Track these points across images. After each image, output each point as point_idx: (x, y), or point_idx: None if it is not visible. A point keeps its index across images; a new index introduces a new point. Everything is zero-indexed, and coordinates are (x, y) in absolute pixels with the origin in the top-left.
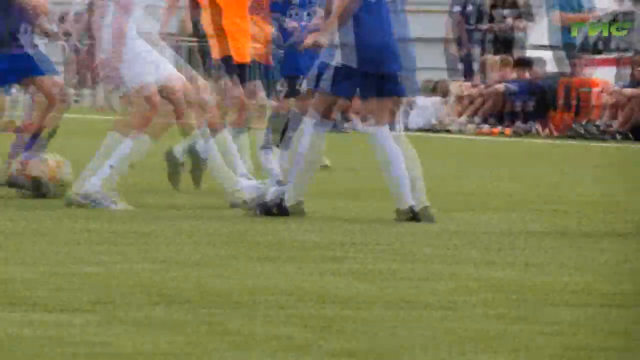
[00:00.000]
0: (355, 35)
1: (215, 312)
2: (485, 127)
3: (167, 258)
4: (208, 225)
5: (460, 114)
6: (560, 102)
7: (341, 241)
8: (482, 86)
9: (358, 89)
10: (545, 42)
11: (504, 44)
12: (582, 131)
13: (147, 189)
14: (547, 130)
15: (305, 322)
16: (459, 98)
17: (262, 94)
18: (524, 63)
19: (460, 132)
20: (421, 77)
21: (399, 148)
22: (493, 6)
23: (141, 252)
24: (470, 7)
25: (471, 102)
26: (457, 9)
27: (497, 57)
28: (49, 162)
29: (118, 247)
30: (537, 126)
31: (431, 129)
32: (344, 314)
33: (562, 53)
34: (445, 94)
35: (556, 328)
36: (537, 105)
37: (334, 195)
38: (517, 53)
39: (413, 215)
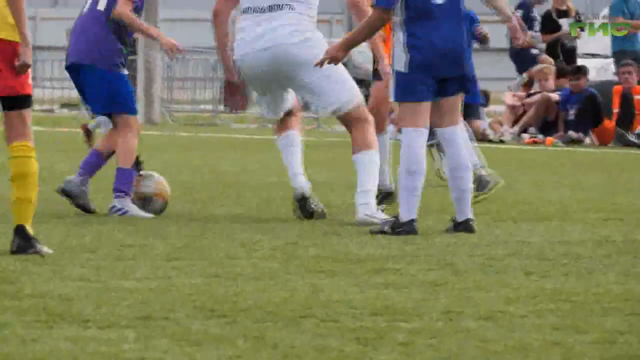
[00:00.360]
0: (420, 39)
1: (266, 325)
2: (540, 137)
3: (219, 272)
4: (260, 239)
5: (513, 123)
6: (615, 110)
7: (387, 253)
8: (537, 96)
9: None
10: (592, 50)
11: (564, 53)
12: (636, 140)
13: (198, 201)
14: (598, 139)
15: (356, 334)
16: (511, 107)
17: None
18: (579, 71)
19: (511, 142)
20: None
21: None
22: (549, 15)
23: (192, 266)
24: (533, 14)
25: (524, 112)
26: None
27: (553, 66)
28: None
29: (170, 262)
30: (590, 135)
31: (482, 139)
32: (394, 325)
33: (611, 61)
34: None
35: (607, 337)
36: (589, 113)
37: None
38: (569, 61)
39: (455, 227)
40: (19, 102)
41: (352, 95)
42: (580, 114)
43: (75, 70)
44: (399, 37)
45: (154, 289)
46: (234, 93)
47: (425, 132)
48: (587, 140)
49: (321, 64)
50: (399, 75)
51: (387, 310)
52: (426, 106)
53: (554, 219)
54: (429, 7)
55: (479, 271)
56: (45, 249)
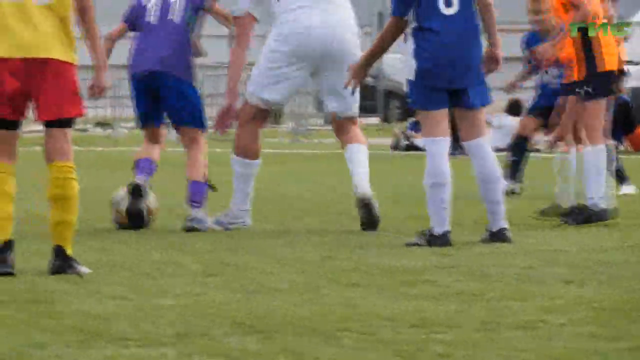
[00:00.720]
0: (426, 49)
1: (304, 340)
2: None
3: (255, 288)
4: (295, 253)
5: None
6: None
7: (422, 265)
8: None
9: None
10: (627, 57)
11: None
12: None
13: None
14: (632, 145)
15: (394, 347)
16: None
17: None
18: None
19: (546, 150)
20: (504, 96)
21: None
22: None
23: (227, 282)
24: None
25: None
26: None
27: None
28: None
29: (206, 278)
30: (625, 142)
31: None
32: (432, 337)
33: None
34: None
35: None
36: (621, 120)
37: (414, 218)
38: None
39: (490, 237)
40: (63, 121)
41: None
42: (613, 120)
43: (152, 78)
44: (410, 45)
45: (191, 306)
46: (230, 117)
47: (444, 141)
48: (621, 147)
49: (347, 85)
50: (410, 83)
51: (424, 322)
52: (441, 115)
53: (589, 226)
54: (437, 17)
55: (515, 281)
56: (84, 269)
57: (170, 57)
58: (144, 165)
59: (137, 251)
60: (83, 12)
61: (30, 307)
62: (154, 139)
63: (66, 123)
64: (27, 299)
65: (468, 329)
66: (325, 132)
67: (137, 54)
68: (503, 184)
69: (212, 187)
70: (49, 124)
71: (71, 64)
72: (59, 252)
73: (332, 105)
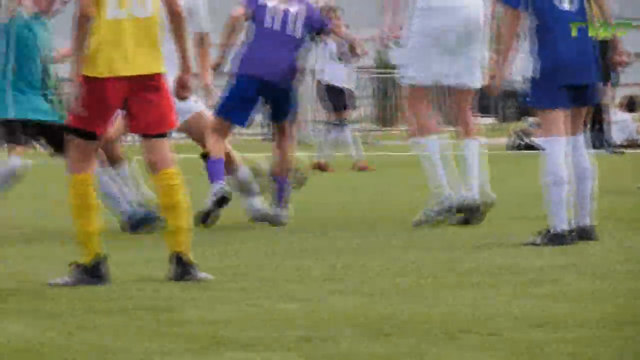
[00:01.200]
0: (547, 46)
1: (428, 342)
2: None
3: (377, 290)
4: (415, 255)
5: None
6: None
7: (542, 264)
8: None
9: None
10: None
11: None
12: None
13: (352, 220)
14: None
15: (521, 347)
16: None
17: None
18: None
19: None
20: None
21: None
22: None
23: (350, 286)
24: None
25: None
26: None
27: None
28: None
29: (328, 282)
30: None
31: (633, 144)
32: (558, 337)
33: None
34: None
35: None
36: None
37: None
38: None
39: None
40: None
41: None
42: None
43: (264, 85)
44: (530, 43)
45: (314, 310)
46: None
47: (562, 141)
48: None
49: (490, 86)
50: (532, 82)
51: (549, 321)
52: (560, 114)
53: None
54: (556, 14)
55: (626, 278)
56: (205, 275)
57: (287, 70)
58: (219, 169)
59: (257, 256)
60: (175, 17)
61: (153, 315)
62: (225, 134)
63: (166, 133)
64: (150, 306)
65: (593, 327)
66: None
67: (250, 56)
68: (594, 181)
69: (301, 181)
70: (150, 136)
71: (164, 76)
72: (178, 259)
73: (462, 78)
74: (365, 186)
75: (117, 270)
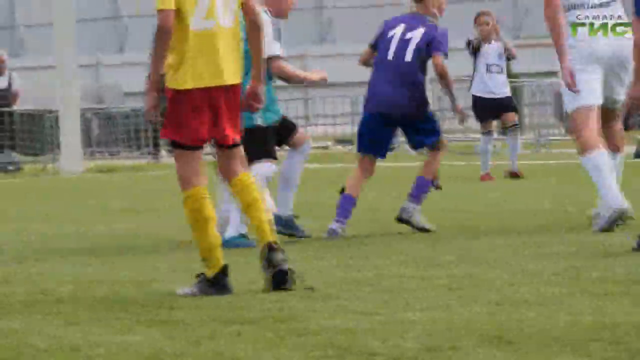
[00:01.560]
0: None
1: (553, 351)
2: None
3: (501, 299)
4: (541, 264)
5: None
6: None
7: None
8: None
9: None
10: None
11: None
12: None
13: (469, 229)
14: None
15: (638, 356)
16: None
17: None
18: None
19: None
20: None
21: None
22: None
23: (473, 295)
24: None
25: None
26: None
27: None
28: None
29: (451, 291)
30: None
31: None
32: None
33: None
34: None
35: None
36: None
37: None
38: None
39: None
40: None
41: None
42: None
43: (387, 117)
44: None
45: (438, 320)
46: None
47: None
48: None
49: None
50: None
51: None
52: None
53: None
54: None
55: None
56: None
57: (403, 99)
58: (347, 208)
59: (377, 266)
60: (255, 27)
61: (277, 325)
62: (370, 169)
63: (240, 142)
64: (273, 316)
65: None
66: (565, 143)
67: (372, 90)
68: None
69: (438, 187)
70: (231, 146)
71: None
72: (270, 247)
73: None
74: (473, 195)
75: (234, 281)
